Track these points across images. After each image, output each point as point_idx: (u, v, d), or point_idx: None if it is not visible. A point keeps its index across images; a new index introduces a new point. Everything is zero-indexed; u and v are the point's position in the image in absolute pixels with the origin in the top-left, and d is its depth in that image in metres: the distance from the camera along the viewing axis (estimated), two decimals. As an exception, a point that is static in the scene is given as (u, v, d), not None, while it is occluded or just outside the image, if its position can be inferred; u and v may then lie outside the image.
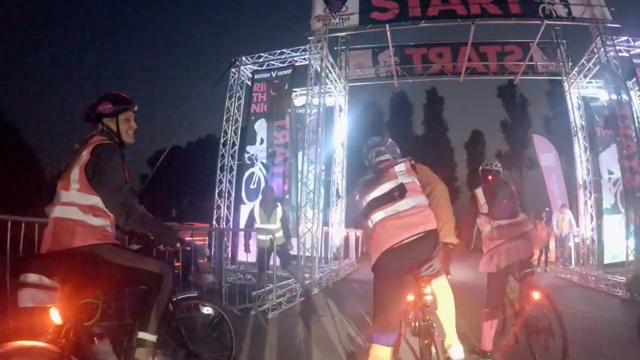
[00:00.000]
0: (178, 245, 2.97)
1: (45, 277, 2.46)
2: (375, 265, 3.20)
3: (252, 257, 8.47)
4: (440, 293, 3.25)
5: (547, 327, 4.11)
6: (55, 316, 2.43)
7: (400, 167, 3.33)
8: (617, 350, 5.05)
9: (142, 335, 2.73)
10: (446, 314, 3.42)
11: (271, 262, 7.75)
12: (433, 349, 2.98)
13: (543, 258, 14.12)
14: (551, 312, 4.14)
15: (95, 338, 2.67)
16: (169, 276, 2.89)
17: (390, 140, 3.67)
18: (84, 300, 2.61)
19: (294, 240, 11.39)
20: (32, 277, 2.43)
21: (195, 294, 3.50)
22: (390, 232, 3.10)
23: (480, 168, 5.07)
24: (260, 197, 8.75)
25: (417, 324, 3.20)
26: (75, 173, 2.73)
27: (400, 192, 3.20)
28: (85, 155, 2.76)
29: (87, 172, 2.72)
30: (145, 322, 2.76)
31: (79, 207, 2.70)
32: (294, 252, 9.25)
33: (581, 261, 12.53)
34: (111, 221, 2.80)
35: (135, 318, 2.84)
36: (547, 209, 15.66)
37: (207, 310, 3.57)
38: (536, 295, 4.25)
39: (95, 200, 2.73)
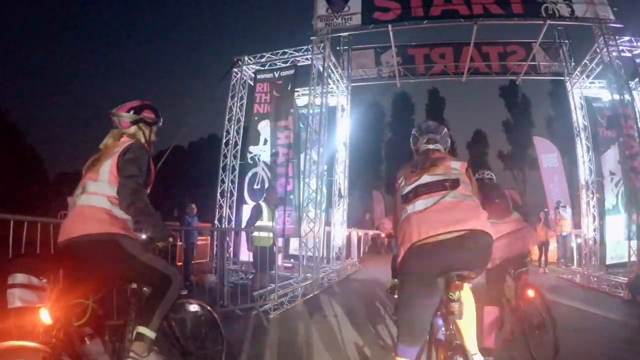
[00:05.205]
0: (170, 239, 3.10)
1: (34, 277, 2.49)
2: (402, 263, 2.78)
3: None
4: (464, 300, 2.80)
5: (541, 324, 4.29)
6: (45, 316, 2.43)
7: (456, 165, 2.97)
8: (615, 350, 5.06)
9: (142, 329, 2.77)
10: (469, 322, 2.99)
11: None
12: None
13: (543, 258, 14.11)
14: (544, 309, 4.31)
15: (86, 338, 2.68)
16: (177, 280, 2.98)
17: (445, 130, 3.31)
18: (74, 301, 2.62)
19: (295, 240, 11.44)
20: (21, 278, 2.45)
21: (184, 292, 3.51)
22: (425, 223, 2.68)
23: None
24: (265, 195, 8.79)
25: (440, 335, 2.86)
26: (107, 165, 2.89)
27: (452, 184, 2.83)
28: (118, 150, 2.94)
29: (119, 165, 2.87)
30: (148, 318, 2.81)
31: (107, 198, 2.83)
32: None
33: (583, 261, 12.52)
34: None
35: (127, 318, 2.90)
36: (545, 209, 15.64)
37: (194, 308, 3.60)
38: (531, 293, 4.41)
39: None
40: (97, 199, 2.82)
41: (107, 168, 2.87)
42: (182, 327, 3.39)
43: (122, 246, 2.77)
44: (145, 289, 2.99)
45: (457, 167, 2.97)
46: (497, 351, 4.35)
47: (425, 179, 2.89)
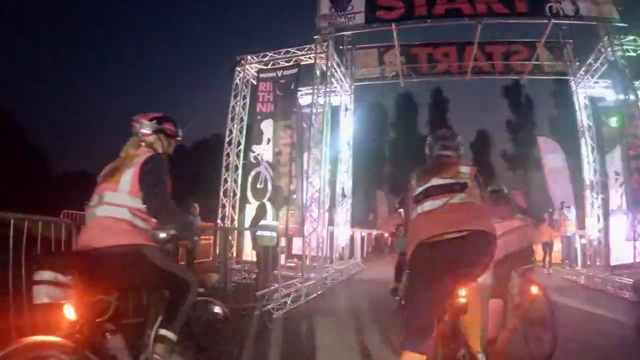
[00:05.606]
0: (195, 238, 3.23)
1: (60, 275, 2.53)
2: (410, 259, 2.99)
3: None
4: (470, 299, 3.01)
5: (541, 319, 4.51)
6: (69, 312, 2.50)
7: (465, 170, 3.19)
8: (614, 350, 5.11)
9: (164, 332, 2.89)
10: (474, 320, 3.17)
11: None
12: (461, 353, 2.81)
13: (547, 259, 14.04)
14: (546, 306, 4.51)
15: (107, 333, 2.74)
16: (195, 284, 3.11)
17: (459, 138, 3.53)
18: (97, 298, 2.68)
19: (299, 240, 11.40)
20: (47, 275, 2.51)
21: (201, 290, 3.58)
22: (433, 223, 2.91)
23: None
24: (269, 194, 8.78)
25: (446, 330, 3.03)
26: (128, 175, 2.91)
27: (460, 187, 3.06)
28: (138, 160, 2.96)
29: (140, 176, 2.90)
30: (169, 321, 2.93)
31: (128, 209, 2.86)
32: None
33: (587, 262, 12.46)
34: (152, 226, 3.00)
35: (147, 316, 3.02)
36: (550, 209, 15.58)
37: (210, 306, 3.76)
38: (534, 289, 4.65)
39: (142, 205, 2.90)
40: (119, 210, 2.85)
41: (129, 179, 2.90)
42: (198, 323, 3.52)
43: (146, 256, 2.85)
44: (164, 291, 3.08)
45: (466, 172, 3.17)
46: (501, 344, 4.50)
47: (435, 181, 3.09)
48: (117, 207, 2.86)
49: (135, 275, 2.88)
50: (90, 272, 2.64)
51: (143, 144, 3.18)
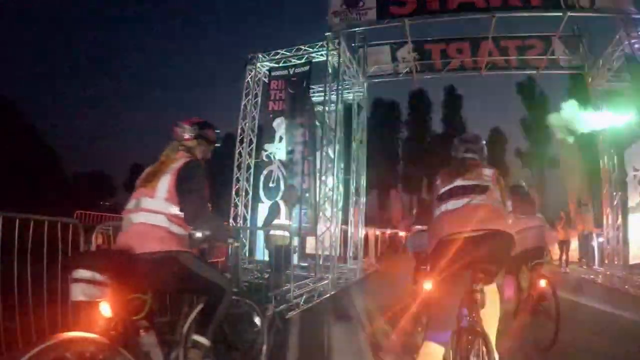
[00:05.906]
0: (230, 240, 3.48)
1: (97, 274, 2.57)
2: (432, 254, 3.24)
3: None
4: (489, 300, 3.12)
5: (547, 311, 4.95)
6: (105, 310, 2.55)
7: (487, 172, 3.38)
8: (620, 349, 5.11)
9: (198, 338, 2.98)
10: (491, 318, 3.26)
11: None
12: (477, 348, 2.88)
13: (564, 257, 13.87)
14: (553, 298, 4.91)
15: (141, 331, 2.80)
16: (230, 290, 3.19)
17: (483, 142, 3.73)
18: (132, 296, 2.73)
19: (312, 239, 11.33)
20: (85, 273, 2.56)
21: (235, 290, 3.59)
22: (454, 222, 3.11)
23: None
24: (282, 193, 8.72)
25: (465, 323, 3.10)
26: (165, 181, 2.97)
27: (482, 189, 3.24)
28: (175, 166, 3.03)
29: (177, 183, 2.96)
30: (204, 327, 3.03)
31: (165, 216, 2.92)
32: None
33: (605, 261, 12.26)
34: (188, 232, 3.06)
35: (179, 315, 3.14)
36: (566, 209, 15.38)
37: (242, 305, 3.76)
38: (542, 282, 5.08)
39: (179, 211, 2.96)
40: (156, 217, 2.91)
41: (165, 185, 2.95)
42: (229, 322, 3.55)
43: (182, 263, 2.92)
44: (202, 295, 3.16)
45: (488, 174, 3.38)
46: (510, 333, 4.62)
47: (459, 182, 3.31)
48: (154, 213, 2.91)
49: (170, 280, 2.93)
50: (126, 273, 2.68)
51: (182, 148, 3.23)
